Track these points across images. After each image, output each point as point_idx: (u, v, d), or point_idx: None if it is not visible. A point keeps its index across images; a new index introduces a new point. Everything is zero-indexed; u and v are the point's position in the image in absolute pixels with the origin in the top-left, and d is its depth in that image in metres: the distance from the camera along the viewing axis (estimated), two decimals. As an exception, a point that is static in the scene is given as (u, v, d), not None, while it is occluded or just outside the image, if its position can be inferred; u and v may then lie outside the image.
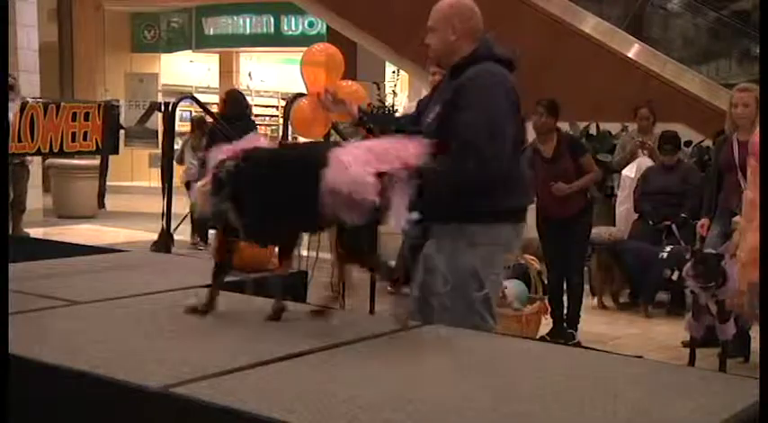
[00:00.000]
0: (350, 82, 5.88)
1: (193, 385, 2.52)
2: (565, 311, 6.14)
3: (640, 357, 4.05)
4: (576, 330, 5.96)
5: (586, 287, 6.78)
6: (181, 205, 6.64)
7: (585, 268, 6.72)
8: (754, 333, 5.76)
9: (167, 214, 6.10)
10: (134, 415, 2.55)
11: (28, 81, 11.91)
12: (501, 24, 10.06)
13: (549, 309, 6.10)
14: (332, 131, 5.99)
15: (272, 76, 20.19)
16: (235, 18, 19.57)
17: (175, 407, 2.45)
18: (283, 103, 12.94)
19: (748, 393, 2.53)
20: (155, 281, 4.16)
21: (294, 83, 6.04)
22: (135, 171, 17.40)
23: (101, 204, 14.12)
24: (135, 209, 13.87)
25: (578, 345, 5.51)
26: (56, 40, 19.18)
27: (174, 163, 7.19)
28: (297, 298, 4.35)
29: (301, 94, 6.13)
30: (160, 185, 6.21)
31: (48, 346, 2.95)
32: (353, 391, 2.53)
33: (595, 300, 7.34)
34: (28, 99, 5.52)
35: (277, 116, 19.07)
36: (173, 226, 6.26)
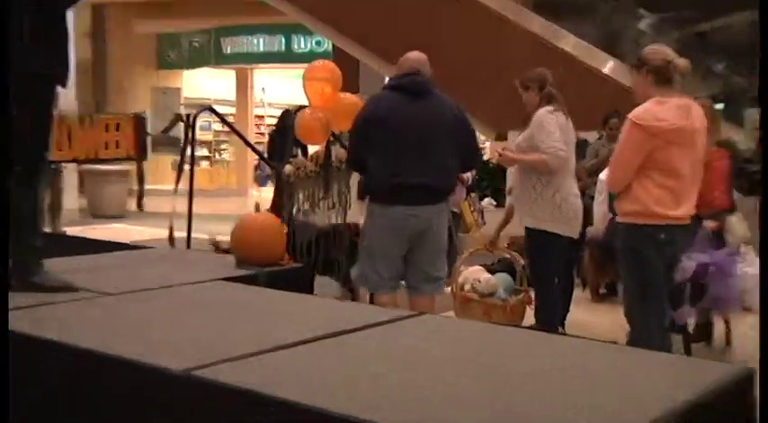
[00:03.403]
0: (348, 94, 5.89)
1: (214, 368, 2.51)
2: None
3: (615, 343, 4.05)
4: (563, 326, 5.86)
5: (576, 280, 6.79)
6: (201, 206, 6.63)
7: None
8: (717, 320, 5.78)
9: (189, 214, 6.10)
10: (158, 396, 2.55)
11: (65, 96, 11.90)
12: (490, 43, 10.15)
13: (534, 300, 6.07)
14: (332, 138, 6.02)
15: (283, 90, 20.17)
16: (249, 38, 19.61)
17: (197, 389, 2.45)
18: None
19: (711, 374, 2.53)
20: (176, 274, 4.17)
21: (303, 96, 6.05)
22: (160, 175, 17.40)
23: (140, 206, 14.19)
24: (159, 209, 13.85)
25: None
26: (90, 58, 19.22)
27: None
28: (304, 290, 4.36)
29: (302, 107, 6.15)
30: (183, 188, 6.18)
31: (81, 332, 2.96)
32: (362, 373, 2.53)
33: (582, 292, 7.30)
34: (64, 112, 5.54)
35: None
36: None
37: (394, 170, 4.62)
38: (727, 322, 5.80)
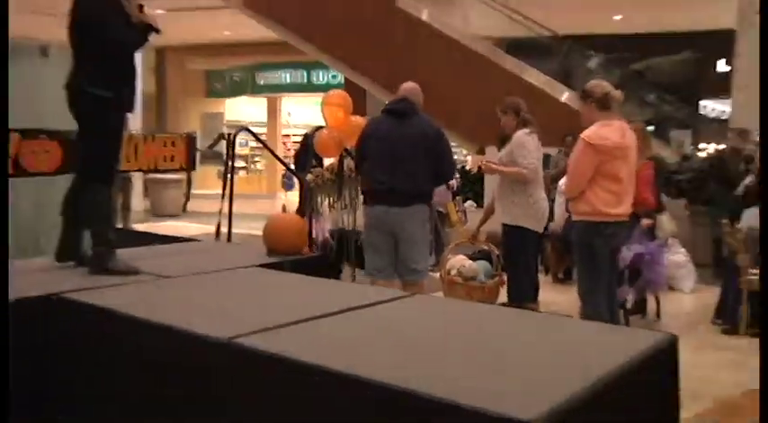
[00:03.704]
0: (357, 117, 5.90)
1: (250, 337, 2.52)
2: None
3: (570, 316, 4.06)
4: (535, 302, 5.80)
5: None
6: (239, 206, 6.62)
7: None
8: (649, 298, 5.78)
9: (229, 213, 6.10)
10: (204, 360, 2.55)
11: (133, 119, 11.96)
12: (472, 77, 10.14)
13: (507, 282, 6.01)
14: (344, 153, 6.03)
15: (305, 114, 20.13)
16: (278, 72, 19.61)
17: (236, 354, 2.45)
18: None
19: (642, 340, 2.54)
20: (219, 261, 4.18)
21: (321, 119, 6.05)
22: (206, 182, 17.42)
23: (184, 208, 14.25)
24: (206, 210, 13.88)
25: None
26: (153, 89, 19.26)
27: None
28: (321, 275, 4.36)
29: (320, 127, 6.15)
30: (222, 192, 6.18)
31: (143, 307, 2.97)
32: (370, 340, 2.54)
33: (545, 276, 7.30)
34: (132, 132, 5.55)
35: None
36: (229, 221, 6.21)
37: (378, 177, 4.58)
38: (657, 299, 5.82)
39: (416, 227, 4.60)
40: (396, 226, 4.57)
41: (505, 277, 5.75)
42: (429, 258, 4.95)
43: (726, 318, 5.44)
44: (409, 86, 4.78)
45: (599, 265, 4.13)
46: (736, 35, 10.66)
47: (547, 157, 8.85)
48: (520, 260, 5.19)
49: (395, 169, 4.53)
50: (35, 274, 3.62)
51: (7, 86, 2.98)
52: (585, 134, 4.03)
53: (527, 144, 5.00)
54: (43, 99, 4.20)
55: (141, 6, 3.72)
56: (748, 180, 6.53)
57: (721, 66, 14.10)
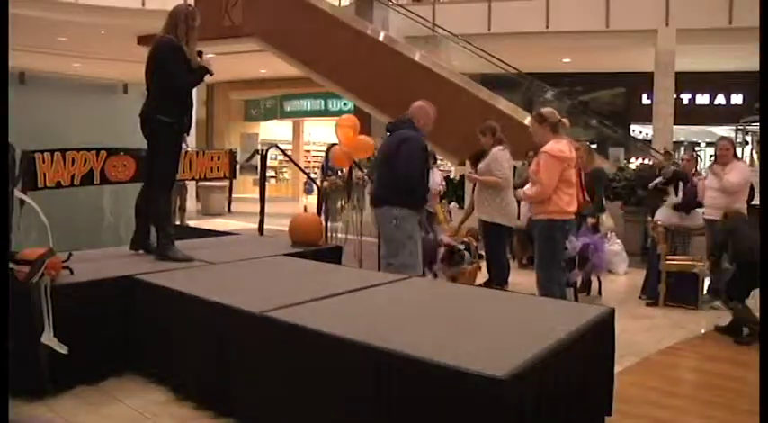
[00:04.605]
0: (364, 136, 5.89)
1: (279, 311, 2.52)
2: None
3: (533, 295, 4.06)
4: (507, 284, 5.76)
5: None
6: (270, 207, 6.59)
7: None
8: (593, 279, 5.77)
9: (261, 213, 6.09)
10: (242, 328, 2.56)
11: (189, 139, 12.00)
12: (455, 104, 10.14)
13: (488, 269, 5.89)
14: (353, 164, 6.01)
15: (323, 134, 20.09)
16: (301, 101, 19.57)
17: (268, 324, 2.45)
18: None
19: (587, 312, 2.55)
20: (254, 250, 4.18)
21: (335, 137, 6.04)
22: (244, 188, 17.44)
23: (229, 208, 14.23)
24: (244, 210, 13.89)
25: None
26: (204, 116, 19.31)
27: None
28: (335, 262, 4.35)
29: (334, 144, 6.15)
30: (259, 196, 6.16)
31: (195, 285, 2.97)
32: (372, 313, 2.54)
33: (513, 262, 7.26)
34: (188, 149, 5.54)
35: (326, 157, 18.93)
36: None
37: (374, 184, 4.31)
38: (599, 280, 5.82)
39: (386, 225, 4.07)
40: (377, 223, 4.23)
41: (483, 263, 5.76)
42: (406, 255, 4.02)
43: (649, 294, 5.51)
44: (415, 105, 4.29)
45: (557, 254, 4.13)
46: (654, 76, 11.08)
47: (514, 168, 8.83)
48: (498, 250, 5.26)
49: (376, 177, 4.25)
50: (115, 260, 3.64)
51: (7, 103, 2.68)
52: (548, 150, 4.02)
53: (500, 159, 5.08)
54: (123, 124, 4.31)
55: (201, 53, 3.76)
56: (655, 182, 6.78)
57: (645, 99, 14.44)
